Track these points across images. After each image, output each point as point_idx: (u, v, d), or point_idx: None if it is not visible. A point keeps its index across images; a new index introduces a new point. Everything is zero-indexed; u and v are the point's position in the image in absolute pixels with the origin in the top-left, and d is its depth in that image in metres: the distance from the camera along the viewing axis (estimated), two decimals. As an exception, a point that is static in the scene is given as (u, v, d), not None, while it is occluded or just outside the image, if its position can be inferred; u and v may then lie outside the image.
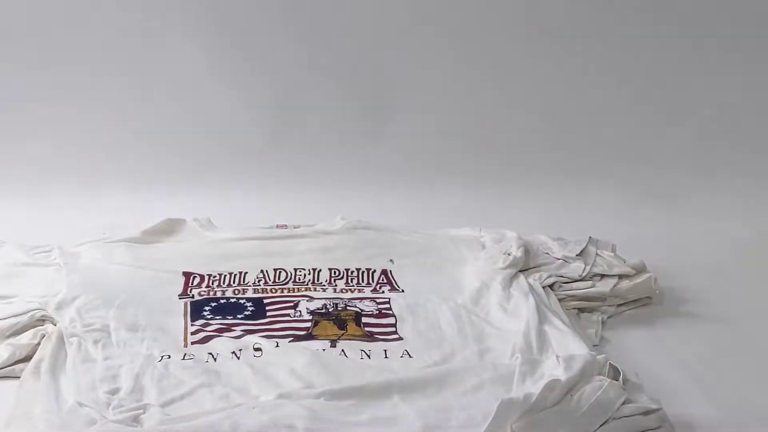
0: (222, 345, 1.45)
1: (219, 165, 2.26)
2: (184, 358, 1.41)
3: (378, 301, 1.60)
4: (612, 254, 1.78)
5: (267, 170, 2.25)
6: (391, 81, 2.32)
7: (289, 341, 1.46)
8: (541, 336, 1.46)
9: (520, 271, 1.70)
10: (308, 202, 2.13)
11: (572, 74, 2.33)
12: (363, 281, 1.69)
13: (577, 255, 1.76)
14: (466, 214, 2.08)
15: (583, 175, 2.26)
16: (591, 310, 1.67)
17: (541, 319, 1.51)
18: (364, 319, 1.54)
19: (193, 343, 1.46)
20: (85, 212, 2.06)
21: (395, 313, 1.56)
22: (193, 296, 1.63)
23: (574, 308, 1.66)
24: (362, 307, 1.58)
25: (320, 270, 1.71)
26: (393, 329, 1.51)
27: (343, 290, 1.66)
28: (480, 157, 2.29)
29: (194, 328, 1.51)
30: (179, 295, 1.63)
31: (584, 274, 1.72)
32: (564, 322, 1.52)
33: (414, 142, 2.31)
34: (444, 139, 2.32)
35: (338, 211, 1.93)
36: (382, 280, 1.69)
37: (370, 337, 1.48)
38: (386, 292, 1.65)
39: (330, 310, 1.57)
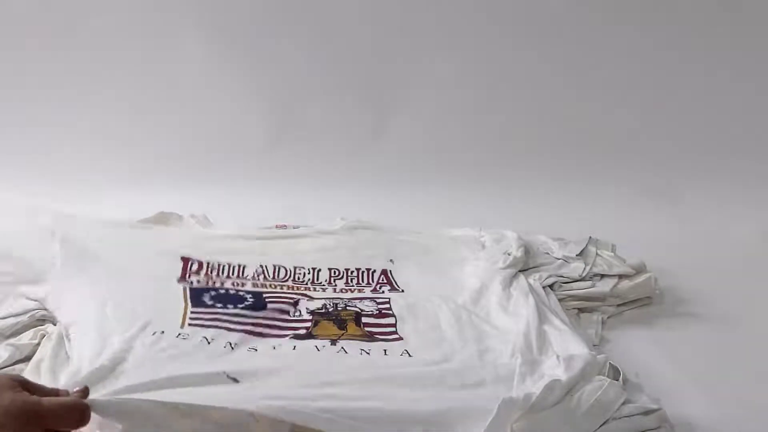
0: (219, 334, 1.43)
1: (219, 165, 2.26)
2: (177, 337, 1.40)
3: (378, 301, 1.60)
4: (612, 254, 1.78)
5: (268, 170, 2.24)
6: (393, 81, 2.32)
7: (290, 337, 1.45)
8: (541, 336, 1.46)
9: (520, 271, 1.70)
10: (309, 201, 2.12)
11: (572, 74, 2.33)
12: (363, 281, 1.68)
13: (577, 255, 1.76)
14: (466, 214, 2.08)
15: (583, 174, 2.26)
16: (591, 310, 1.67)
17: (541, 319, 1.51)
18: (364, 319, 1.53)
19: (190, 325, 1.45)
20: (83, 212, 2.06)
21: (395, 314, 1.55)
22: (191, 282, 1.61)
23: (574, 308, 1.66)
24: (362, 307, 1.57)
25: (320, 270, 1.70)
26: (393, 329, 1.50)
27: (343, 290, 1.65)
28: (480, 157, 2.29)
29: (194, 315, 1.49)
30: (178, 280, 1.61)
31: (584, 274, 1.72)
32: (564, 322, 1.52)
33: (414, 143, 2.31)
34: (444, 139, 2.33)
35: (339, 211, 1.93)
36: (382, 280, 1.68)
37: (370, 337, 1.47)
38: (386, 292, 1.64)
39: (330, 310, 1.56)
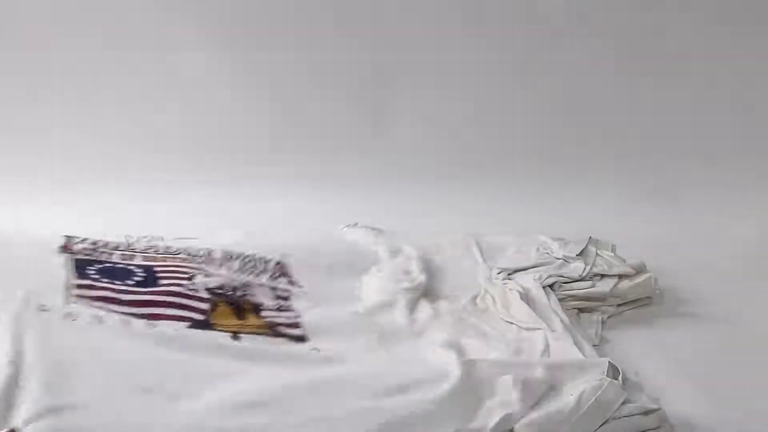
0: (108, 312, 1.33)
1: (219, 165, 2.26)
2: (66, 317, 1.30)
3: (278, 294, 1.51)
4: (612, 254, 1.79)
5: (268, 170, 2.24)
6: (393, 81, 2.32)
7: (187, 326, 1.35)
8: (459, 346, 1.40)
9: (519, 270, 1.71)
10: (309, 202, 2.12)
11: (573, 73, 2.33)
12: (259, 267, 1.59)
13: (577, 255, 1.77)
14: (466, 213, 2.09)
15: (583, 174, 2.26)
16: (591, 310, 1.67)
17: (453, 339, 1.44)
18: (264, 312, 1.44)
19: (75, 302, 1.35)
20: (82, 213, 2.06)
21: (295, 309, 1.47)
22: (75, 253, 1.50)
23: (574, 308, 1.66)
24: (262, 299, 1.48)
25: (213, 250, 1.61)
26: (296, 320, 1.43)
27: (239, 271, 1.56)
28: (481, 157, 2.29)
29: (80, 289, 1.38)
30: (60, 248, 1.51)
31: (584, 274, 1.72)
32: (566, 325, 1.52)
33: (414, 143, 2.31)
34: (444, 139, 2.32)
35: (339, 210, 1.93)
36: (279, 271, 1.60)
37: (272, 329, 1.39)
38: (284, 284, 1.56)
39: (228, 292, 1.47)
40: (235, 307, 1.43)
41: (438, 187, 2.21)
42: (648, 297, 1.73)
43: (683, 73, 2.32)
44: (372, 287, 1.61)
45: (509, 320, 1.55)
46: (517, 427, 1.18)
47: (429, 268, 1.70)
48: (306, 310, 1.47)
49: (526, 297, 1.61)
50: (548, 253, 1.78)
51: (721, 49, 2.31)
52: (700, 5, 2.30)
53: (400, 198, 2.17)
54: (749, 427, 1.33)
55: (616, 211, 2.15)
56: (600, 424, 1.23)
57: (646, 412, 1.27)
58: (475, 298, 1.63)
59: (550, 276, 1.70)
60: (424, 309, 1.56)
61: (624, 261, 1.76)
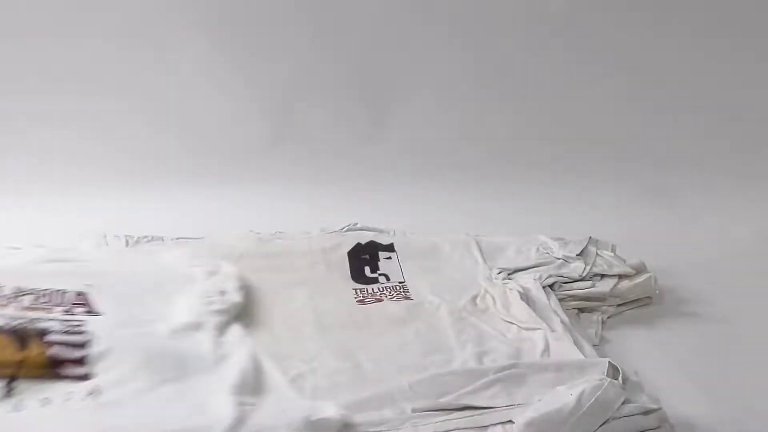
0: None
1: (219, 165, 2.26)
2: None
3: (71, 323, 1.40)
4: (612, 254, 1.79)
5: (267, 170, 2.24)
6: (392, 82, 2.32)
7: None
8: (258, 379, 1.36)
9: (519, 270, 1.71)
10: (308, 202, 2.12)
11: (573, 73, 2.33)
12: (53, 300, 1.46)
13: (577, 255, 1.76)
14: (466, 213, 2.09)
15: (583, 174, 2.26)
16: (591, 310, 1.67)
17: (256, 367, 1.39)
18: (51, 336, 1.34)
19: None
20: (82, 213, 2.06)
21: (86, 338, 1.37)
22: None
23: (574, 308, 1.66)
24: (50, 325, 1.37)
25: (3, 286, 1.48)
26: (82, 356, 1.33)
27: (30, 308, 1.43)
28: (480, 157, 2.29)
29: None
30: None
31: (584, 274, 1.72)
32: (566, 325, 1.52)
33: (414, 143, 2.31)
34: (443, 139, 2.32)
35: (338, 209, 1.93)
36: (77, 301, 1.48)
37: (53, 370, 1.29)
38: (81, 314, 1.44)
39: (6, 328, 1.35)
40: (16, 337, 1.33)
41: (438, 187, 2.22)
42: (648, 297, 1.73)
43: (683, 74, 2.32)
44: (181, 309, 1.52)
45: (509, 320, 1.56)
46: (516, 427, 1.18)
47: (249, 286, 1.62)
48: (99, 340, 1.37)
49: (526, 297, 1.60)
50: (548, 253, 1.78)
51: (721, 49, 2.31)
52: (701, 7, 2.30)
53: (400, 198, 2.17)
54: (749, 427, 1.33)
55: (616, 211, 2.15)
56: (600, 423, 1.24)
57: (646, 412, 1.27)
58: (475, 298, 1.63)
59: (550, 276, 1.70)
60: (235, 332, 1.48)
61: (624, 261, 1.76)
